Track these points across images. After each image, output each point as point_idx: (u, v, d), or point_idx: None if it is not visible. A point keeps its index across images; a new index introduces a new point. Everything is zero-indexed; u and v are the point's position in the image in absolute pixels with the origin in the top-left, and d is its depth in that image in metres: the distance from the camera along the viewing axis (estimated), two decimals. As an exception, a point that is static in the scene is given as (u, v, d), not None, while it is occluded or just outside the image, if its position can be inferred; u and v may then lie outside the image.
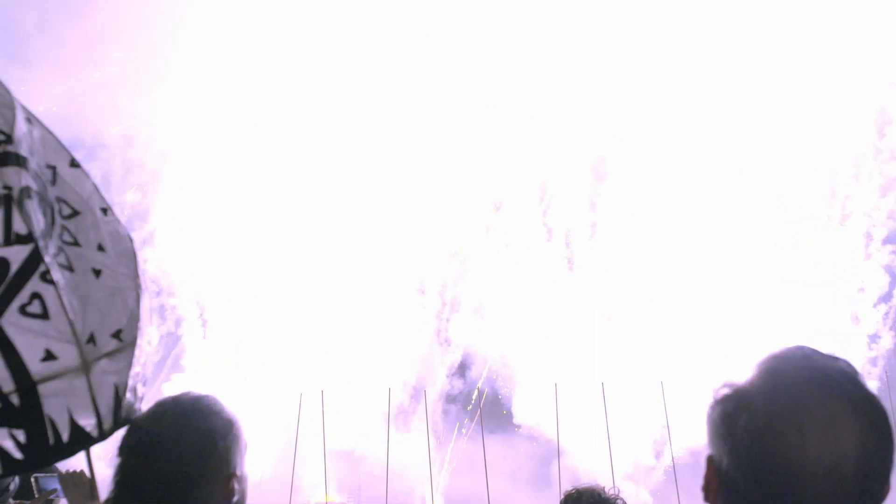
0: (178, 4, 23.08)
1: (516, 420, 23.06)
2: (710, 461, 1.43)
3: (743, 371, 1.39)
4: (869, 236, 23.15)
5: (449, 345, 24.84)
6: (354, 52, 23.38)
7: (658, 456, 21.95)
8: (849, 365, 1.36)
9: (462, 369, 24.89)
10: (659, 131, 23.52)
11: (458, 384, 24.90)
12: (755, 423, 1.32)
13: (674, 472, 16.89)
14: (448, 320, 24.88)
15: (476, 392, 23.94)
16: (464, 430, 23.74)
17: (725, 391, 1.40)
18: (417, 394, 23.54)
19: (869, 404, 1.31)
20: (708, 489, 1.43)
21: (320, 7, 23.16)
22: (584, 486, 3.50)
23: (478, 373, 24.71)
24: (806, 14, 22.09)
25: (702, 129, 23.06)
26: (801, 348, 1.39)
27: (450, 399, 24.76)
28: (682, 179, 23.19)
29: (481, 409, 19.35)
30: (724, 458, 1.37)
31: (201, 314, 22.00)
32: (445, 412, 24.29)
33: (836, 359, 1.36)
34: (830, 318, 22.21)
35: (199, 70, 23.06)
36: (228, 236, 22.46)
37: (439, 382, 24.30)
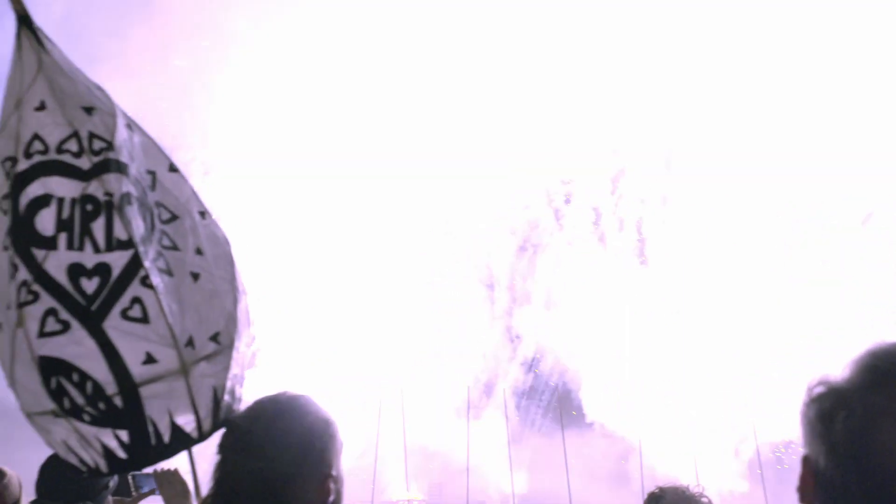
0: (242, 8, 23.48)
1: (588, 416, 22.83)
2: (807, 461, 1.36)
3: (839, 368, 1.33)
4: None
5: (520, 340, 24.75)
6: (407, 45, 23.35)
7: (737, 452, 21.45)
8: None
9: (533, 365, 24.77)
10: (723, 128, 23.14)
11: (529, 379, 24.80)
12: (853, 421, 1.26)
13: (759, 466, 16.48)
14: (518, 315, 24.78)
15: (554, 389, 23.79)
16: (525, 429, 23.62)
17: (821, 389, 1.34)
18: (488, 389, 23.54)
19: None
20: (804, 490, 1.37)
21: (375, 16, 23.21)
22: (667, 485, 3.40)
23: (549, 368, 24.55)
24: (826, 17, 21.43)
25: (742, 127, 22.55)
26: None
27: (521, 394, 24.68)
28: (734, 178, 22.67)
29: (560, 406, 19.22)
30: (822, 457, 1.31)
31: (275, 311, 22.36)
32: (517, 407, 24.22)
33: None
34: None
35: (260, 76, 23.42)
36: (300, 233, 22.76)
37: (510, 378, 24.23)
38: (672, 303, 22.37)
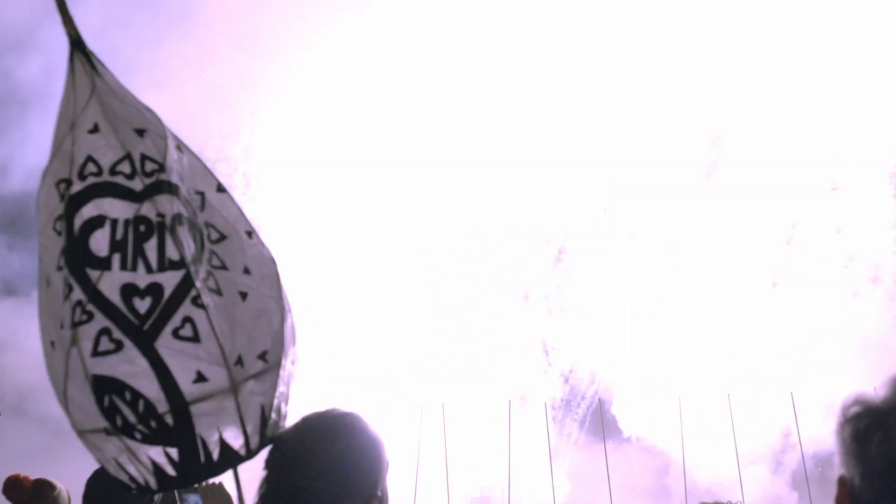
0: (283, 20, 23.62)
1: (624, 430, 22.61)
2: (842, 482, 1.35)
3: (875, 387, 1.29)
4: None
5: (555, 352, 24.59)
6: (447, 50, 23.28)
7: (777, 467, 21.10)
8: None
9: (568, 377, 24.60)
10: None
11: (564, 392, 24.62)
12: (890, 442, 1.24)
13: (807, 484, 16.18)
14: (553, 327, 24.63)
15: (591, 402, 23.61)
16: (561, 442, 23.41)
17: (856, 409, 1.32)
18: (522, 402, 23.40)
19: None
20: None
21: (418, 22, 23.26)
22: (710, 501, 3.37)
23: (585, 380, 24.36)
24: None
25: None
26: None
27: (556, 407, 24.51)
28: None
29: (602, 420, 19.04)
30: (857, 479, 1.29)
31: (314, 323, 22.39)
32: (553, 420, 24.03)
33: None
34: None
35: (301, 88, 23.56)
36: (341, 244, 22.79)
37: (545, 390, 24.06)
38: (708, 312, 22.11)
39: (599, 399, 21.68)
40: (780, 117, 22.45)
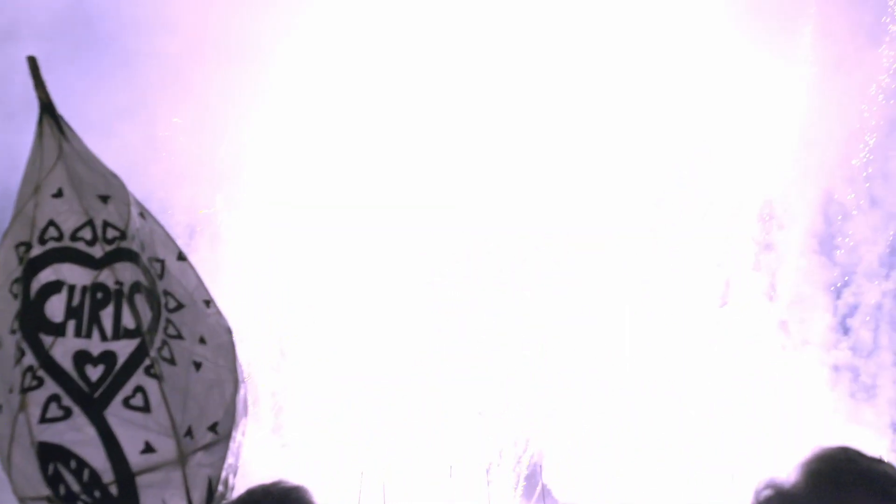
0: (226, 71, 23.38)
1: (559, 497, 22.40)
2: None
3: (786, 471, 1.36)
4: None
5: (485, 415, 24.38)
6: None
7: None
8: (893, 468, 1.33)
9: (503, 442, 24.42)
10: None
11: (499, 458, 24.41)
12: None
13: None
14: (481, 389, 24.45)
15: (531, 466, 23.41)
16: None
17: (768, 493, 1.37)
18: (457, 467, 23.10)
19: None
20: None
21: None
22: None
23: (521, 446, 24.20)
24: None
25: None
26: (844, 450, 1.35)
27: (491, 472, 24.27)
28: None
29: (541, 486, 18.89)
30: None
31: (249, 382, 21.80)
32: (487, 484, 23.76)
33: (881, 461, 1.33)
34: None
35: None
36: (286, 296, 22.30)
37: (481, 456, 23.82)
38: (641, 377, 22.24)
39: (537, 465, 21.51)
40: (714, 180, 22.98)
